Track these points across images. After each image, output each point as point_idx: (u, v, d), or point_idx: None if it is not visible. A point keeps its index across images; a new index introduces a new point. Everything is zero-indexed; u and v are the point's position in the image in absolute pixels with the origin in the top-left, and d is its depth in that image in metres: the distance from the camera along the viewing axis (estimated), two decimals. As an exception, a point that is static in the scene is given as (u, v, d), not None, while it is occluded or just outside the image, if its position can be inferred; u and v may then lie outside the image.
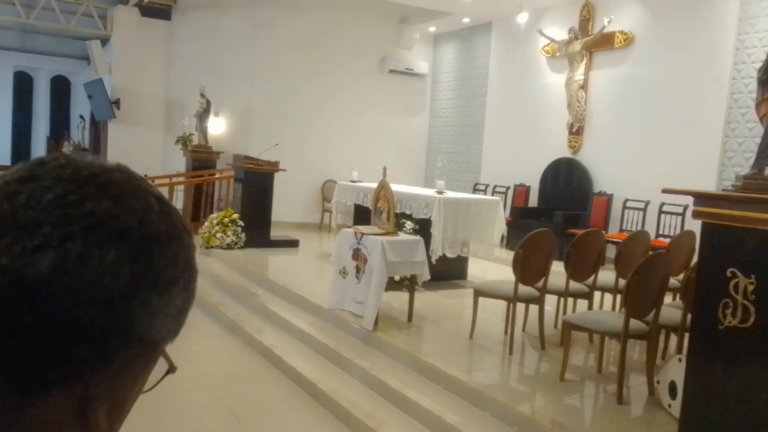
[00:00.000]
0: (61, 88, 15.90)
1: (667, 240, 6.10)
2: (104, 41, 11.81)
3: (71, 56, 14.33)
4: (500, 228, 6.49)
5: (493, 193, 9.68)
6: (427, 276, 4.84)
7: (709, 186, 6.58)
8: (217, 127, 10.68)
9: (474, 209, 6.30)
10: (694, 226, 2.87)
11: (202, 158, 10.27)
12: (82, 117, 14.74)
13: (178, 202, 9.49)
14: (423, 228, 5.94)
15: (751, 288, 2.60)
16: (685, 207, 6.76)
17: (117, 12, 11.27)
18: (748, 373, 2.61)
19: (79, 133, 14.99)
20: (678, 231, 6.69)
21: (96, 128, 13.62)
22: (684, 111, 7.28)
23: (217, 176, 9.70)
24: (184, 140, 10.37)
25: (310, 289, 5.69)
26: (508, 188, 9.64)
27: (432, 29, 11.33)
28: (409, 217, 6.21)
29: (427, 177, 11.41)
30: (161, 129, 11.72)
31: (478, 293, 4.49)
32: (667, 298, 4.21)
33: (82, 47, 12.30)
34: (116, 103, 11.25)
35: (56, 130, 15.76)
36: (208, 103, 10.27)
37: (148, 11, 11.29)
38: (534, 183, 9.22)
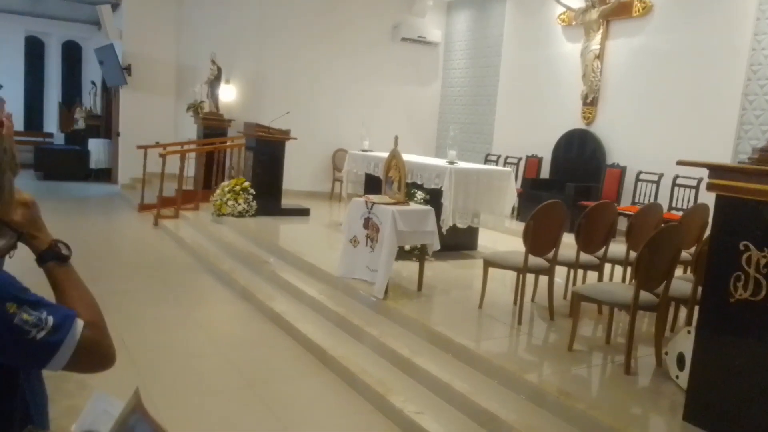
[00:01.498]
0: (72, 53, 15.85)
1: (680, 213, 6.06)
2: (115, 6, 11.72)
3: (82, 21, 14.25)
4: (511, 199, 6.47)
5: (505, 164, 9.62)
6: (437, 246, 4.85)
7: (725, 159, 6.49)
8: (228, 94, 10.64)
9: (485, 180, 6.28)
10: (708, 199, 2.84)
11: (213, 126, 10.27)
12: (93, 83, 14.73)
13: (190, 169, 9.53)
14: (434, 198, 5.93)
15: (763, 261, 2.59)
16: (699, 180, 6.69)
17: (128, -24, 11.15)
18: (758, 346, 2.62)
19: (90, 99, 15.00)
20: (691, 204, 6.64)
21: (108, 94, 13.61)
22: (701, 82, 7.15)
23: (228, 144, 9.70)
24: (195, 107, 10.35)
25: (321, 258, 5.73)
26: (520, 159, 9.57)
27: (446, -4, 11.12)
28: (420, 187, 6.19)
29: (439, 147, 11.35)
30: (172, 96, 11.70)
31: (488, 263, 4.50)
32: (678, 271, 4.20)
33: (92, 12, 12.22)
34: (127, 69, 11.22)
35: (68, 95, 15.77)
36: (219, 70, 10.22)
37: (158, -24, 11.17)
38: (546, 154, 9.14)
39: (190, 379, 3.84)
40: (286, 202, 8.55)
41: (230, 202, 7.89)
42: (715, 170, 2.80)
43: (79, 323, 1.16)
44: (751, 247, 2.63)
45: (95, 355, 1.20)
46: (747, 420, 2.65)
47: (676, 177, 7.08)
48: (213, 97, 10.34)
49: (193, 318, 5.01)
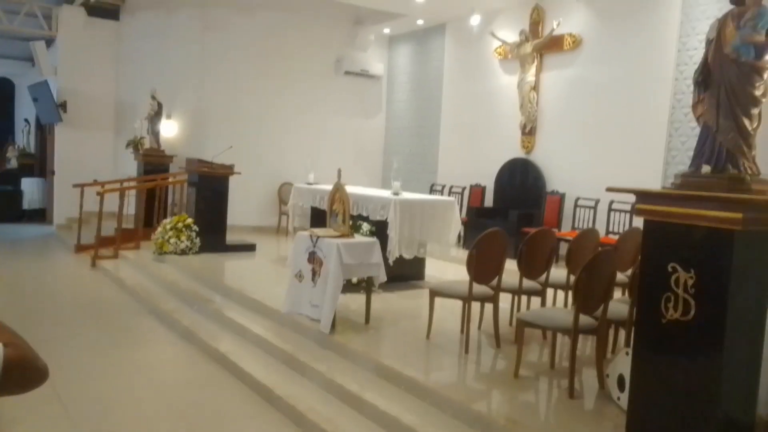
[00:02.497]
0: (4, 90, 15.28)
1: (617, 237, 6.28)
2: (49, 42, 11.41)
3: (14, 57, 13.79)
4: (456, 228, 6.56)
5: (450, 193, 9.78)
6: (383, 278, 4.85)
7: (655, 183, 6.79)
8: (169, 130, 10.46)
9: (430, 210, 6.35)
10: (642, 223, 2.96)
11: (154, 162, 10.04)
12: (27, 121, 14.23)
13: (131, 207, 9.26)
14: (380, 229, 5.95)
15: (691, 282, 2.70)
16: (633, 205, 6.96)
17: (62, 12, 10.91)
18: (691, 365, 2.71)
19: (24, 138, 14.46)
20: (627, 228, 6.89)
21: (42, 132, 13.16)
22: (630, 111, 7.51)
23: (170, 180, 9.50)
24: (135, 144, 10.12)
25: (267, 294, 5.63)
26: (464, 188, 9.75)
27: (386, 31, 11.37)
28: (365, 219, 6.21)
29: (385, 178, 11.44)
30: (111, 132, 11.40)
31: (434, 293, 4.53)
32: (617, 294, 4.33)
33: (26, 48, 11.85)
34: (63, 105, 10.89)
35: (0, 134, 15.14)
36: (160, 105, 10.05)
37: (95, 11, 10.97)
38: (489, 183, 9.35)
39: (129, 427, 3.66)
40: (232, 237, 8.40)
41: (172, 240, 7.69)
42: (642, 196, 2.92)
43: None
44: (679, 268, 2.74)
45: (24, 372, 1.17)
46: (685, 437, 2.72)
47: (612, 202, 7.35)
48: (153, 132, 10.14)
49: (132, 362, 4.81)
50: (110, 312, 6.23)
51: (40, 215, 12.59)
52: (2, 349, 1.13)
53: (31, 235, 11.15)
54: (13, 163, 13.87)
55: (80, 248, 9.02)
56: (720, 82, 2.86)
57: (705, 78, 2.96)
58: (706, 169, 2.83)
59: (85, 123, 11.11)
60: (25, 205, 12.83)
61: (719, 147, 2.83)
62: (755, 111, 2.80)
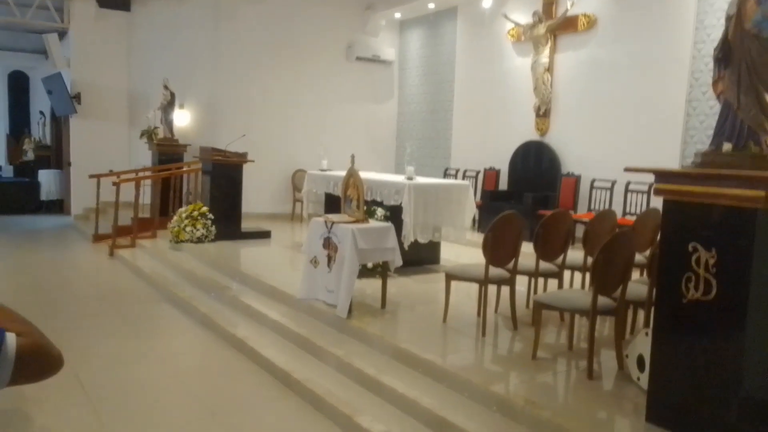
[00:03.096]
0: (19, 83, 15.42)
1: (634, 218, 6.22)
2: (62, 34, 11.47)
3: (28, 51, 13.90)
4: (471, 212, 6.53)
5: (464, 177, 9.73)
6: (399, 262, 4.85)
7: (673, 163, 6.71)
8: (182, 119, 10.50)
9: (444, 194, 6.32)
10: (659, 203, 2.92)
11: (168, 152, 10.10)
12: (42, 113, 14.36)
13: (146, 196, 9.34)
14: (394, 214, 5.94)
15: (712, 261, 2.67)
16: (650, 185, 6.87)
17: (74, 3, 10.95)
18: (712, 345, 2.69)
19: (39, 130, 14.60)
20: (644, 209, 6.83)
21: (57, 124, 13.27)
22: (647, 91, 7.40)
23: (184, 169, 9.54)
24: (149, 134, 10.18)
25: (283, 280, 5.66)
26: (478, 172, 9.70)
27: (398, 15, 11.27)
28: (380, 204, 6.21)
29: (398, 163, 11.42)
30: (125, 123, 11.48)
31: (450, 277, 4.52)
32: (635, 275, 4.29)
33: (39, 41, 11.93)
34: (77, 97, 10.97)
35: (16, 126, 15.31)
36: (173, 95, 10.09)
37: (106, 2, 11.00)
38: (503, 166, 9.29)
39: (149, 413, 3.72)
40: (247, 225, 8.44)
41: (188, 228, 7.75)
42: (661, 175, 2.88)
43: (10, 335, 1.13)
44: (700, 248, 2.71)
45: (39, 360, 1.19)
46: (707, 417, 2.71)
47: (629, 183, 7.27)
48: (167, 122, 10.19)
49: (152, 350, 4.87)
50: (129, 300, 6.31)
51: (58, 206, 12.73)
52: (16, 338, 1.14)
53: (50, 225, 11.29)
54: (30, 155, 14.03)
55: (98, 238, 9.12)
56: (741, 58, 2.80)
57: (725, 55, 2.90)
58: (727, 147, 2.78)
59: (99, 114, 11.19)
60: (43, 197, 12.98)
61: (740, 124, 2.78)
62: (777, 86, 2.74)
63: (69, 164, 11.44)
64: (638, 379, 3.31)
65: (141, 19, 11.27)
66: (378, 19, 11.14)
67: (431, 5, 10.39)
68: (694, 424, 2.74)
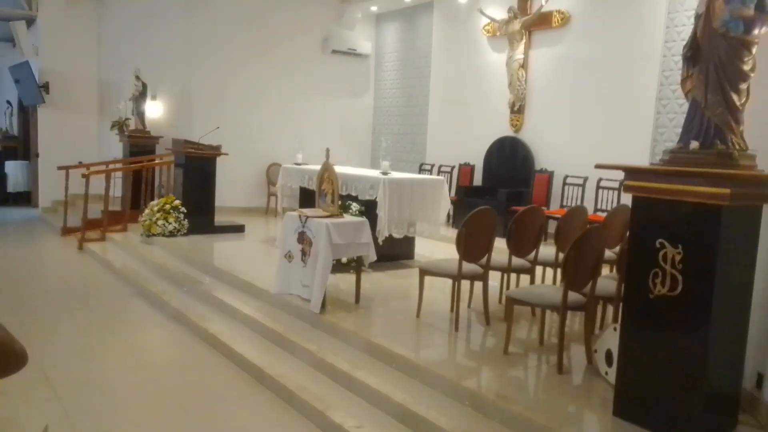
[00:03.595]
0: (-16, 72, 14.97)
1: (605, 214, 6.31)
2: (30, 22, 11.17)
3: (-6, 38, 13.51)
4: (445, 207, 6.55)
5: (439, 172, 9.76)
6: (373, 257, 4.85)
7: (643, 161, 6.82)
8: (154, 110, 10.32)
9: (419, 189, 6.33)
10: (630, 200, 2.97)
11: (140, 143, 9.93)
12: (9, 102, 13.98)
13: (117, 189, 9.17)
14: (369, 209, 5.93)
15: (678, 258, 2.72)
16: (621, 182, 6.99)
17: (42, -10, 10.68)
18: (678, 340, 2.74)
19: (6, 120, 14.22)
20: (615, 205, 6.93)
21: (25, 114, 12.95)
22: (618, 88, 7.50)
23: (156, 162, 9.40)
24: (120, 125, 9.99)
25: (257, 275, 5.62)
26: (453, 167, 9.74)
27: (374, 9, 11.23)
28: (354, 198, 6.19)
29: (373, 158, 11.40)
30: (95, 113, 11.26)
31: (424, 272, 4.53)
32: (605, 270, 4.36)
33: (6, 29, 11.59)
34: (45, 86, 10.71)
35: (-19, 116, 14.88)
36: (144, 86, 9.91)
37: (75, -10, 10.75)
38: (478, 162, 9.34)
39: (120, 409, 3.66)
40: (220, 219, 8.35)
41: (160, 222, 7.64)
42: (630, 172, 2.93)
43: None
44: (666, 244, 2.76)
45: (2, 356, 1.15)
46: (672, 410, 2.76)
47: (600, 180, 7.37)
48: (138, 113, 10.01)
49: (122, 344, 4.79)
50: (99, 294, 6.20)
51: (25, 198, 12.45)
52: None
53: (17, 218, 11.02)
54: (-4, 146, 13.65)
55: (67, 231, 8.94)
56: (709, 57, 2.85)
57: (694, 53, 2.95)
58: (694, 145, 2.83)
59: (68, 104, 10.95)
60: (10, 188, 12.67)
61: (707, 122, 2.83)
62: (743, 86, 2.80)
63: (37, 155, 11.18)
64: (606, 373, 3.37)
65: (112, 6, 11.03)
66: (354, 11, 11.08)
67: (407, -1, 10.38)
68: (660, 417, 2.80)
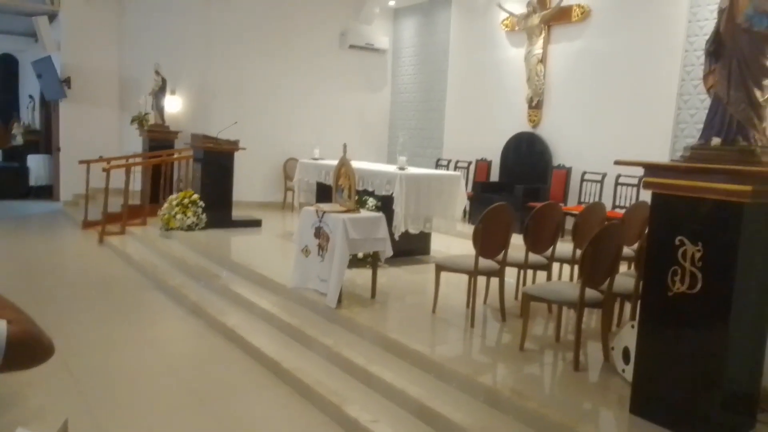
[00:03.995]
0: (8, 67, 15.22)
1: (623, 211, 6.25)
2: (52, 17, 11.32)
3: (18, 33, 13.72)
4: (462, 203, 6.54)
5: (456, 168, 9.73)
6: (389, 252, 4.85)
7: (663, 157, 6.74)
8: (174, 105, 10.42)
9: (436, 185, 6.32)
10: (649, 196, 2.94)
11: (159, 138, 10.03)
12: (31, 97, 14.20)
13: (136, 183, 9.28)
14: (385, 204, 5.94)
15: (698, 255, 2.69)
16: (640, 178, 6.91)
17: (64, -14, 10.81)
18: (697, 337, 2.71)
19: (29, 114, 14.45)
20: (633, 202, 6.86)
21: (47, 108, 13.13)
22: (639, 84, 7.41)
23: (175, 156, 9.49)
24: (139, 120, 10.10)
25: (274, 269, 5.66)
26: (470, 163, 9.70)
27: (392, 3, 11.20)
28: (371, 194, 6.20)
29: (390, 153, 11.39)
30: (116, 108, 11.38)
31: (440, 268, 4.53)
32: (623, 267, 4.33)
33: (29, 24, 11.76)
34: (67, 81, 10.85)
35: (5, 111, 15.12)
36: (164, 80, 10.00)
37: (97, -15, 10.86)
38: (495, 157, 9.29)
39: (138, 400, 3.72)
40: (237, 213, 8.42)
41: (179, 216, 7.72)
42: (650, 169, 2.90)
43: (1, 322, 1.12)
44: (686, 241, 2.73)
45: (29, 348, 1.17)
46: (690, 409, 2.74)
47: (619, 176, 7.30)
48: (158, 108, 10.11)
49: (141, 337, 4.86)
50: (118, 287, 6.29)
51: (47, 192, 12.63)
52: (6, 325, 1.12)
53: (38, 211, 11.20)
54: (19, 140, 13.88)
55: (87, 224, 9.07)
56: (732, 52, 2.81)
57: (717, 48, 2.90)
58: (716, 141, 2.79)
59: (89, 99, 11.08)
60: (32, 182, 12.87)
61: (730, 119, 2.79)
62: (767, 82, 2.75)
63: (58, 149, 11.34)
64: (623, 371, 3.34)
65: (133, 2, 11.13)
66: (372, 6, 11.07)
67: (425, -6, 10.34)
68: (677, 415, 2.78)
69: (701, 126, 2.96)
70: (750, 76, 2.75)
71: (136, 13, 11.05)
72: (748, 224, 2.61)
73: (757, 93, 2.75)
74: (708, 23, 6.52)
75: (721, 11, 2.91)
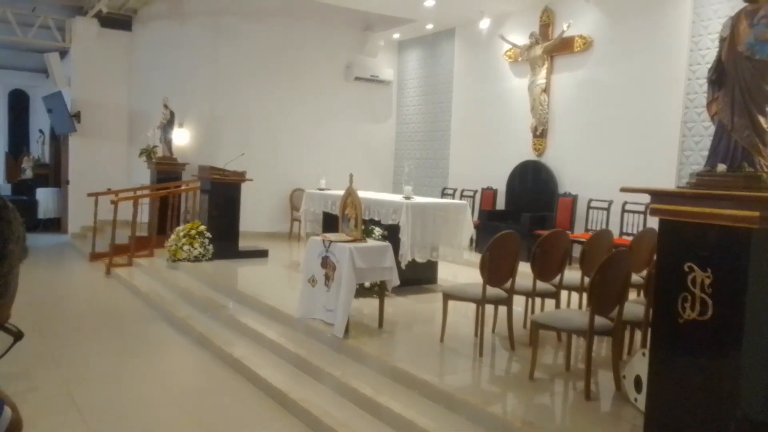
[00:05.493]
0: (19, 101, 15.49)
1: (631, 238, 6.23)
2: (63, 53, 11.56)
3: (29, 69, 13.99)
4: (468, 231, 6.54)
5: (461, 197, 9.76)
6: (396, 281, 4.84)
7: (669, 184, 6.74)
8: (181, 138, 10.54)
9: (442, 213, 6.34)
10: (656, 223, 2.94)
11: (167, 170, 10.12)
12: (41, 131, 14.41)
13: (144, 215, 9.34)
14: (392, 233, 5.95)
15: (708, 281, 2.68)
16: (647, 205, 6.91)
17: (75, 23, 11.05)
18: (709, 365, 2.68)
19: (39, 148, 14.64)
20: (641, 229, 6.84)
21: (57, 142, 13.31)
22: (643, 112, 7.47)
23: (183, 188, 9.56)
24: (148, 152, 10.20)
25: (281, 299, 5.65)
26: (475, 192, 9.73)
27: (396, 36, 11.40)
28: (377, 223, 6.22)
29: (396, 183, 11.45)
30: (124, 142, 11.52)
31: (447, 296, 4.51)
32: (632, 295, 4.30)
33: (40, 60, 12.02)
34: (77, 116, 11.02)
35: (15, 145, 15.34)
36: (172, 114, 10.14)
37: (107, 22, 11.10)
38: (501, 186, 9.32)
39: (144, 433, 3.68)
40: (244, 244, 8.43)
41: (186, 247, 7.74)
42: (657, 195, 2.90)
43: (7, 410, 1.12)
44: (695, 268, 2.72)
45: None
46: (704, 439, 2.69)
47: (625, 203, 7.30)
48: (166, 141, 10.23)
49: (147, 368, 4.84)
50: (125, 319, 6.28)
51: (55, 224, 12.72)
52: (9, 413, 1.08)
53: (47, 244, 11.26)
54: (28, 174, 14.05)
55: (95, 256, 9.10)
56: (734, 80, 2.83)
57: (719, 76, 2.94)
58: (721, 167, 2.80)
59: (98, 133, 11.23)
60: (40, 215, 12.97)
61: (734, 145, 2.80)
62: (770, 108, 2.77)
63: (67, 182, 11.45)
64: (636, 400, 3.30)
65: (142, 38, 11.37)
66: (377, 39, 11.26)
67: (429, 26, 10.52)
68: (692, 445, 2.72)
69: (706, 153, 2.97)
70: (753, 103, 2.77)
71: (146, 48, 11.28)
72: (756, 250, 2.59)
73: (761, 119, 2.77)
74: (709, 52, 6.59)
75: (722, 40, 2.95)
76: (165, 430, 3.74)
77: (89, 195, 9.27)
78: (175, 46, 10.76)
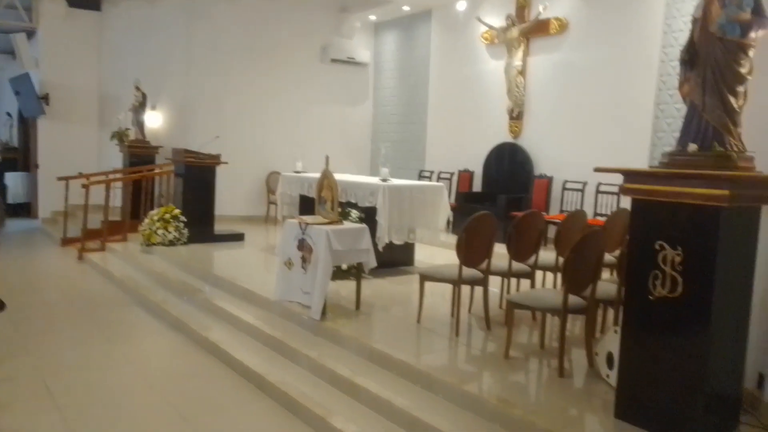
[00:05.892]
0: (-16, 84, 15.02)
1: (604, 218, 6.32)
2: (30, 34, 11.22)
3: (-6, 50, 13.57)
4: (445, 213, 6.56)
5: (438, 179, 9.78)
6: (373, 263, 4.85)
7: (642, 165, 6.82)
8: (154, 120, 10.36)
9: (419, 195, 6.34)
10: (629, 204, 2.98)
11: (139, 153, 9.95)
12: (9, 114, 14.01)
13: (116, 199, 9.18)
14: (369, 216, 5.94)
15: (678, 259, 2.73)
16: (621, 185, 7.00)
17: (42, 3, 10.73)
18: (678, 341, 2.74)
19: (6, 132, 14.25)
20: (614, 209, 6.94)
21: (25, 125, 12.98)
22: (617, 94, 7.53)
23: (156, 171, 9.41)
24: (119, 135, 10.01)
25: (257, 283, 5.62)
26: (452, 174, 9.75)
27: (372, 18, 11.29)
28: (354, 205, 6.20)
29: (373, 165, 11.41)
30: (95, 124, 11.28)
31: (424, 278, 4.54)
32: (605, 274, 4.37)
33: (6, 41, 11.65)
34: (45, 98, 10.74)
35: (-19, 128, 14.92)
36: (144, 96, 9.95)
37: (76, 2, 10.81)
38: (478, 168, 9.36)
39: (120, 418, 3.65)
40: (220, 227, 8.35)
41: (160, 231, 7.64)
42: (629, 175, 2.94)
43: None
44: (666, 246, 2.77)
45: None
46: (674, 412, 2.76)
47: (599, 184, 7.39)
48: (138, 124, 10.04)
49: (122, 354, 4.78)
50: (99, 304, 6.19)
51: (25, 209, 12.45)
52: None
53: (17, 229, 11.01)
54: (-4, 158, 13.69)
55: (66, 241, 8.94)
56: (706, 60, 2.87)
57: (691, 57, 2.97)
58: (692, 147, 2.84)
59: (68, 115, 10.98)
60: (10, 200, 12.66)
61: (705, 125, 2.85)
62: (741, 89, 2.82)
63: (37, 166, 11.20)
64: (608, 376, 3.36)
65: (112, 19, 11.09)
66: (353, 21, 11.14)
67: (406, 8, 10.44)
68: (661, 419, 2.79)
69: (678, 134, 3.01)
70: (724, 83, 2.81)
71: (116, 29, 11.01)
72: (726, 228, 2.65)
73: (732, 99, 2.81)
74: (682, 34, 6.65)
75: (694, 21, 2.98)
76: (141, 415, 3.71)
77: (59, 179, 9.07)
78: (147, 26, 10.52)
